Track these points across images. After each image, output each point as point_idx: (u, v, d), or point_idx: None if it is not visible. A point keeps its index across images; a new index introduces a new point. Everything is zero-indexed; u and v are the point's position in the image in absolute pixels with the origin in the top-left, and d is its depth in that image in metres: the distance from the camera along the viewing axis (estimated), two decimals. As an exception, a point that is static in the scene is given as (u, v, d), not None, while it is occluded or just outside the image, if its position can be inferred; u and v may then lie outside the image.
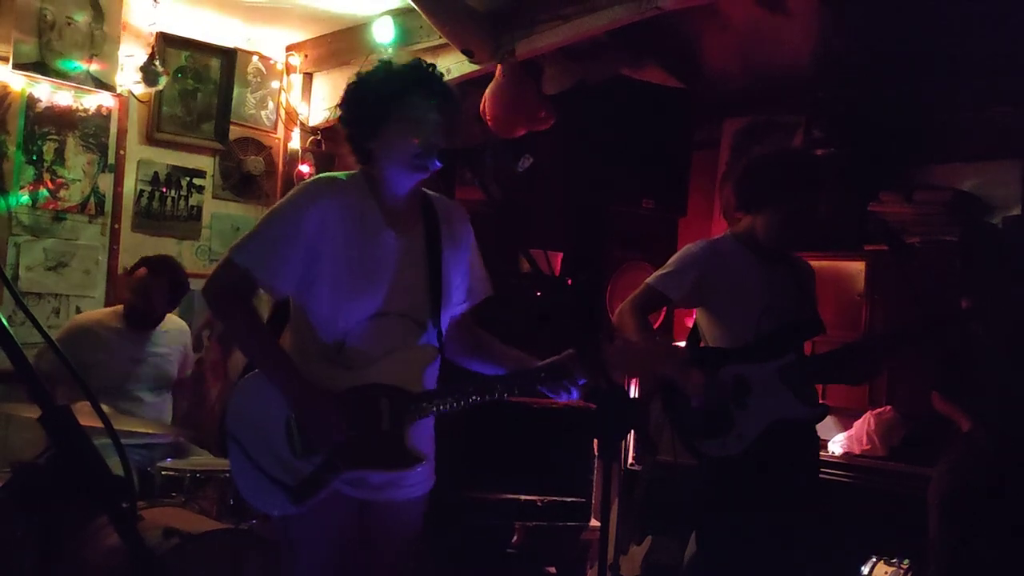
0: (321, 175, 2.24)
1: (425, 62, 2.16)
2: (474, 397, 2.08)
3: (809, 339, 2.85)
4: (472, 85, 3.84)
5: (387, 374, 2.07)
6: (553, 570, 4.30)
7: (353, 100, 2.15)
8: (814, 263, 3.13)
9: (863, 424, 3.88)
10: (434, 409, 2.09)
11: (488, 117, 3.65)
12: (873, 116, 4.26)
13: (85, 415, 3.09)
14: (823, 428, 3.90)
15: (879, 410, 3.89)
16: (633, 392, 4.11)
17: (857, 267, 4.16)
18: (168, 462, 3.32)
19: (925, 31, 3.70)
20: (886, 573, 3.43)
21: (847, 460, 3.82)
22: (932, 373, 3.37)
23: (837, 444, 3.91)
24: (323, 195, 2.10)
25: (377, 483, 2.11)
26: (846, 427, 3.95)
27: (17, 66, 3.73)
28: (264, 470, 2.02)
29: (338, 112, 2.21)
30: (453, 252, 2.19)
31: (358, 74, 2.18)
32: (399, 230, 2.13)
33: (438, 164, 2.06)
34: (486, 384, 2.12)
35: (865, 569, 3.48)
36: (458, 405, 2.09)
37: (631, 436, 4.12)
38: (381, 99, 2.08)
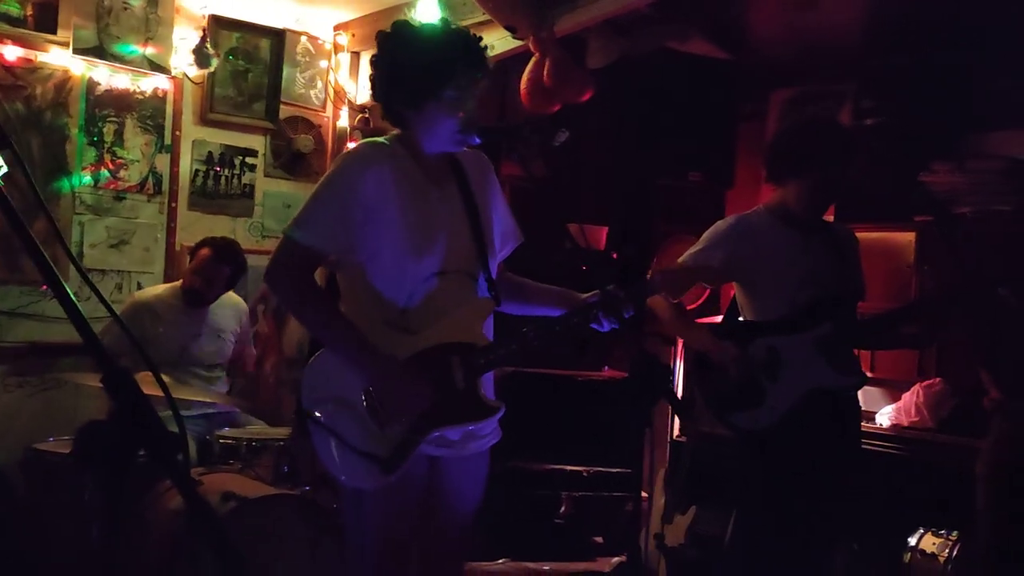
0: (364, 140, 2.22)
1: (471, 32, 2.13)
2: (535, 341, 2.11)
3: (849, 308, 2.83)
4: (516, 61, 3.87)
5: (452, 331, 2.09)
6: (600, 540, 4.37)
7: (396, 67, 2.09)
8: (864, 235, 3.11)
9: (912, 396, 3.84)
10: (501, 358, 2.11)
11: (522, 92, 3.67)
12: (925, 83, 4.17)
13: (146, 385, 3.23)
14: (871, 400, 3.90)
15: (928, 382, 3.84)
16: (677, 366, 4.14)
17: (907, 238, 4.09)
18: (226, 431, 3.46)
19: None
20: (933, 544, 3.41)
21: (895, 432, 3.79)
22: (974, 344, 3.33)
23: (885, 416, 3.88)
24: (374, 159, 2.09)
25: (456, 439, 2.13)
26: (894, 399, 3.92)
27: (77, 51, 3.86)
28: (353, 446, 2.01)
29: (372, 71, 2.14)
30: (485, 202, 2.21)
31: (400, 32, 2.11)
32: (441, 188, 2.15)
33: (477, 140, 2.09)
34: (543, 325, 2.14)
35: (912, 540, 3.46)
36: (522, 351, 2.12)
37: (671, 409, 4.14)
38: (431, 71, 2.03)
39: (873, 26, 4.11)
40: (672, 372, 3.91)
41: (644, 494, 4.12)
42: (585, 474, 4.18)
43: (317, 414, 2.06)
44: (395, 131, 2.20)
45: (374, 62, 2.15)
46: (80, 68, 3.91)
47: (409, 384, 2.03)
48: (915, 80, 4.20)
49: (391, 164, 2.09)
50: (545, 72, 3.70)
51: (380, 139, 2.18)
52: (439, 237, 2.10)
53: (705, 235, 2.87)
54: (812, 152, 2.74)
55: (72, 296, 1.03)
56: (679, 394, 4.08)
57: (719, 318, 3.15)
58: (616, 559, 4.09)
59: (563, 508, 4.23)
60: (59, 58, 3.86)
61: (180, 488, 0.94)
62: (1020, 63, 3.93)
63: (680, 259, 2.84)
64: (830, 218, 3.27)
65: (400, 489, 2.07)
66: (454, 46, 2.07)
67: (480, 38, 2.13)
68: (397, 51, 2.10)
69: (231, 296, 3.94)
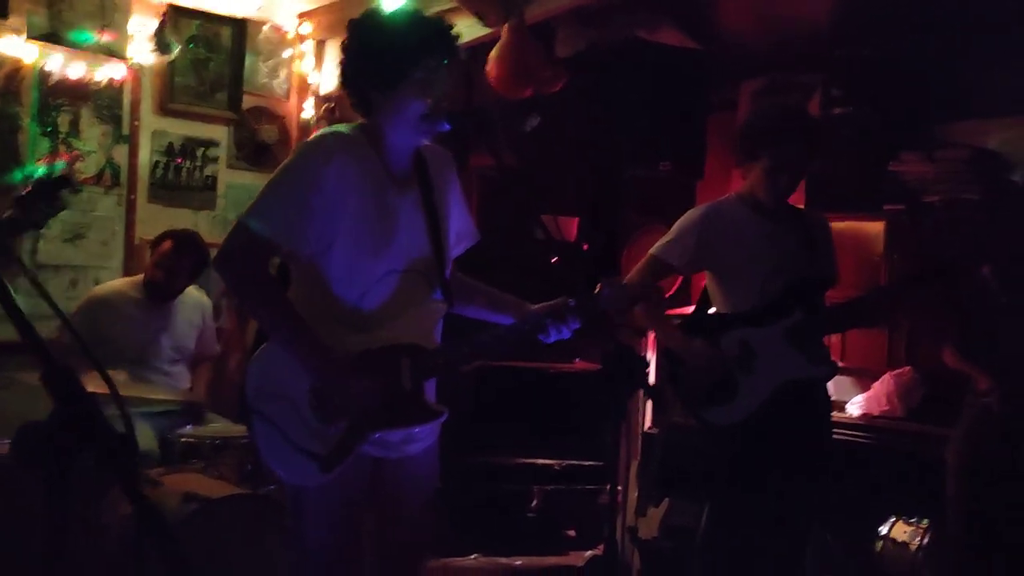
0: (326, 130, 2.15)
1: (443, 19, 2.10)
2: (487, 347, 2.08)
3: (820, 294, 2.82)
4: (485, 49, 3.81)
5: (403, 332, 2.04)
6: (573, 533, 4.35)
7: (366, 49, 2.03)
8: (834, 224, 3.10)
9: (882, 385, 3.85)
10: (451, 363, 2.08)
11: (492, 77, 3.63)
12: (893, 73, 4.19)
13: (104, 384, 3.12)
14: (842, 389, 3.90)
15: (898, 371, 3.86)
16: (649, 355, 4.11)
17: (876, 227, 4.10)
18: (188, 429, 3.37)
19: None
20: (904, 532, 3.42)
21: (866, 421, 3.79)
22: (950, 330, 3.34)
23: (855, 405, 3.89)
24: (337, 151, 2.02)
25: (396, 440, 2.10)
26: (865, 388, 3.93)
27: (30, 37, 3.74)
28: (294, 441, 1.98)
29: (342, 55, 2.09)
30: (444, 201, 2.17)
31: (370, 17, 2.08)
32: (402, 185, 2.10)
33: (446, 126, 2.03)
34: (496, 333, 2.11)
35: (884, 528, 3.47)
36: (472, 357, 2.09)
37: (647, 400, 4.13)
38: (399, 54, 1.98)
39: (842, 16, 4.11)
40: (647, 363, 3.88)
41: (619, 487, 4.09)
42: (557, 467, 4.15)
43: (262, 409, 2.01)
44: (360, 120, 2.13)
45: (344, 47, 2.09)
46: (32, 56, 3.79)
47: (355, 382, 1.99)
48: (884, 70, 4.21)
49: (352, 156, 2.03)
50: (518, 59, 3.64)
51: (342, 127, 2.11)
52: (396, 235, 2.05)
53: (676, 225, 2.85)
54: (767, 132, 2.74)
55: (10, 289, 0.96)
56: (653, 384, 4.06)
57: (691, 309, 3.13)
58: (589, 552, 4.06)
59: (535, 502, 4.20)
60: (10, 46, 3.73)
61: (126, 489, 0.87)
62: (987, 54, 3.96)
63: (652, 250, 2.82)
64: (802, 207, 3.26)
65: (341, 486, 2.02)
66: (425, 29, 2.04)
67: (452, 26, 2.08)
68: (368, 34, 2.05)
69: (194, 291, 3.85)
